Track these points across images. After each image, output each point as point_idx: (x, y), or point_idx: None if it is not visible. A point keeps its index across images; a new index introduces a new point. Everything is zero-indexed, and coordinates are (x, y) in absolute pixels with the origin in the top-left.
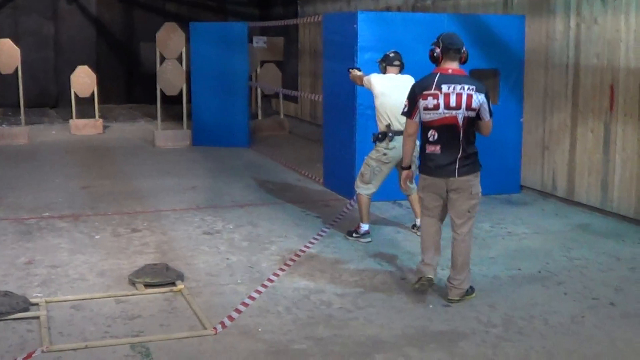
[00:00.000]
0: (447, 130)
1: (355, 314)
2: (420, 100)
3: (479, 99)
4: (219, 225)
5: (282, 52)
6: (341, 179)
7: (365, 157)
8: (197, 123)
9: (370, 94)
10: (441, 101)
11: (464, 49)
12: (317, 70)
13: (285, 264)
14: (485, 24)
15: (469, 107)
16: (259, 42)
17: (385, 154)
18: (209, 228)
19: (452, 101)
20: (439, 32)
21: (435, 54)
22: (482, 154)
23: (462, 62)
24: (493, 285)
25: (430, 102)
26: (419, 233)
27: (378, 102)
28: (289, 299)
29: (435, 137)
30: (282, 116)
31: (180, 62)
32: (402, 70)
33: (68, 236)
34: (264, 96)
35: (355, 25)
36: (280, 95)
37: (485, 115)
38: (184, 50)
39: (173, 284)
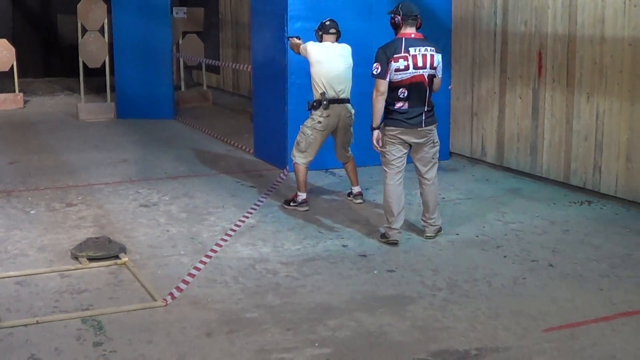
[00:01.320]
0: (416, 87)
1: (302, 282)
2: (392, 62)
3: (438, 58)
4: (154, 197)
5: (202, 23)
6: (273, 148)
7: (300, 126)
8: (121, 95)
9: (302, 63)
10: (410, 62)
11: (419, 16)
12: (240, 41)
13: (227, 234)
14: None
15: (432, 66)
16: (179, 12)
17: (320, 122)
18: (145, 201)
19: (419, 61)
20: (367, 1)
21: (396, 21)
22: None
23: (418, 27)
24: (434, 250)
25: (402, 63)
26: (356, 201)
27: (313, 70)
28: (235, 269)
29: (406, 94)
30: (205, 87)
31: (102, 34)
32: (338, 38)
33: (2, 212)
34: (185, 67)
35: None
36: (203, 66)
37: (440, 73)
38: (105, 21)
39: (117, 257)
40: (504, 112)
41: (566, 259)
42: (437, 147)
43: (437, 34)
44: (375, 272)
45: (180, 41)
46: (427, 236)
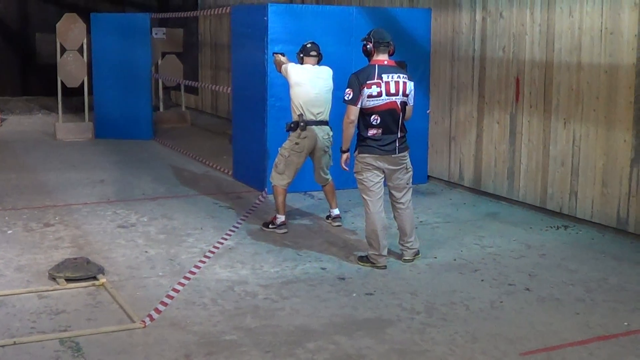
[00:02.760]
0: (388, 114)
1: (281, 304)
2: (365, 89)
3: (410, 86)
4: (132, 218)
5: (181, 44)
6: (252, 170)
7: (279, 148)
8: (100, 115)
9: (282, 86)
10: (383, 89)
11: (392, 42)
12: (219, 62)
13: (205, 256)
14: (393, 16)
15: (404, 93)
16: (159, 33)
17: (297, 144)
18: (123, 221)
19: (392, 88)
20: (347, 24)
21: (368, 48)
22: None
23: (391, 54)
24: (412, 273)
25: (374, 89)
26: (334, 224)
27: (292, 92)
28: (213, 291)
29: (378, 121)
30: (183, 108)
31: (81, 54)
32: (320, 61)
33: None
34: (164, 88)
35: (265, 18)
36: (182, 87)
37: (412, 101)
38: (84, 41)
39: (95, 278)
40: (482, 136)
41: (543, 283)
42: (411, 173)
43: (416, 58)
44: (354, 295)
45: (160, 62)
46: (405, 259)
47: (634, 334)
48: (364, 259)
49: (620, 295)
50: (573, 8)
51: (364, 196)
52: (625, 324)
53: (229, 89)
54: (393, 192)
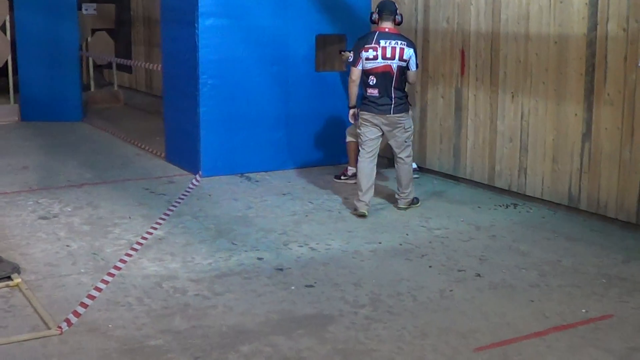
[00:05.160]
0: (383, 76)
1: (213, 301)
2: (363, 52)
3: (409, 52)
4: (55, 208)
5: (113, 20)
6: (185, 152)
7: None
8: (26, 97)
9: (215, 63)
10: (379, 53)
11: (397, 12)
12: (152, 39)
13: (132, 249)
14: None
15: (401, 58)
16: (89, 9)
17: None
18: (45, 212)
19: (388, 53)
20: None
21: (373, 17)
22: (327, 123)
23: (397, 23)
24: (355, 261)
25: (371, 53)
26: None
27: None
28: (140, 288)
29: (375, 81)
30: (116, 87)
31: (4, 32)
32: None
33: None
34: (96, 66)
35: None
36: (114, 65)
37: (413, 66)
38: (7, 18)
39: (9, 278)
40: (426, 111)
41: (494, 268)
42: (409, 133)
43: (356, 29)
44: (293, 287)
45: (90, 39)
46: (399, 207)
47: (593, 322)
48: (356, 209)
49: (575, 278)
50: None
51: (360, 148)
52: (584, 310)
53: None
54: (393, 147)
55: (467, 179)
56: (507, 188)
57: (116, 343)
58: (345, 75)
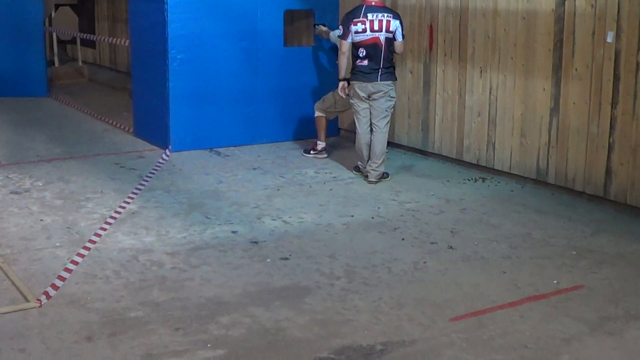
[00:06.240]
0: (372, 47)
1: (190, 274)
2: (352, 25)
3: (395, 24)
4: (26, 183)
5: None
6: (154, 128)
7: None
8: None
9: (184, 38)
10: (367, 26)
11: None
12: (116, 14)
13: (106, 223)
14: None
15: (387, 30)
16: None
17: None
18: (16, 187)
19: (375, 25)
20: None
21: None
22: (295, 98)
23: None
24: (329, 234)
25: (360, 27)
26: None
27: None
28: (116, 262)
29: (364, 53)
30: (80, 63)
31: None
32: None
33: None
34: (59, 42)
35: None
36: (78, 41)
37: (399, 37)
38: None
39: None
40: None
41: (466, 241)
42: (392, 102)
43: (325, 5)
44: (269, 260)
45: (53, 14)
46: (369, 181)
47: (564, 293)
48: (357, 169)
49: (545, 250)
50: None
51: (354, 119)
52: (555, 282)
53: (128, 41)
54: (374, 115)
55: (435, 154)
56: (475, 162)
57: (96, 315)
58: (315, 51)
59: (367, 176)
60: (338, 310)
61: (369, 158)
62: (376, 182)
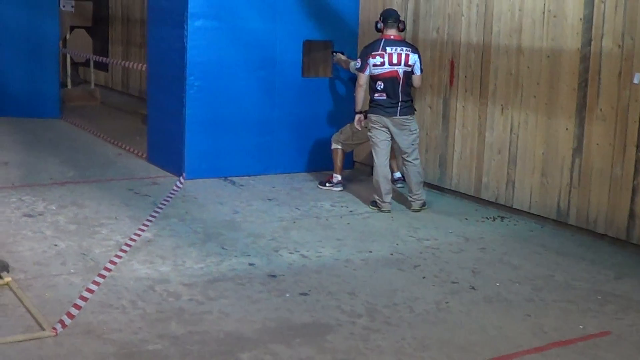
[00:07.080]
0: (390, 81)
1: (208, 307)
2: (370, 58)
3: (413, 57)
4: (40, 206)
5: (91, 17)
6: (169, 154)
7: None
8: (3, 92)
9: (201, 65)
10: (386, 59)
11: (400, 20)
12: (130, 38)
13: (121, 250)
14: None
15: (406, 64)
16: (67, 5)
17: None
18: (29, 210)
19: (394, 59)
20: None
21: (378, 26)
22: (312, 129)
23: (400, 30)
24: (348, 270)
25: (378, 60)
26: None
27: None
28: (132, 291)
29: (382, 86)
30: (93, 85)
31: None
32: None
33: None
34: (72, 64)
35: None
36: (92, 63)
37: (417, 71)
38: None
39: None
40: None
41: (487, 281)
42: (415, 135)
43: (343, 38)
44: (288, 295)
45: (68, 36)
46: (413, 209)
47: (591, 339)
48: (374, 204)
49: (569, 294)
50: None
51: (373, 151)
52: (581, 327)
53: (142, 66)
54: (402, 150)
55: (452, 190)
56: (494, 200)
57: (113, 347)
58: (332, 82)
59: (410, 205)
60: (360, 350)
61: (410, 190)
62: (419, 210)
